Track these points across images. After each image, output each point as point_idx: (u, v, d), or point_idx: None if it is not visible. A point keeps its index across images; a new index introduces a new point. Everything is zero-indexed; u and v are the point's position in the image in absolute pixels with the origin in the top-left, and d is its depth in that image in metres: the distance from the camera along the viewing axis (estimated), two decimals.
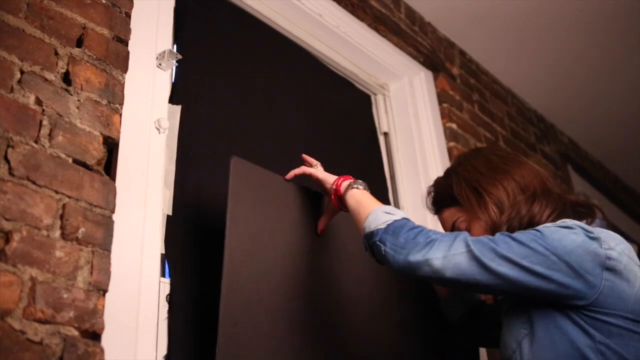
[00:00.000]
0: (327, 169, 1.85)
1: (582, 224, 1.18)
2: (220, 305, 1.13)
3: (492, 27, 2.66)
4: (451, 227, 1.38)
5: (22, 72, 1.12)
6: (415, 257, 1.12)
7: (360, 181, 1.33)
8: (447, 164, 2.25)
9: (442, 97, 2.43)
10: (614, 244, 1.15)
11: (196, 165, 1.48)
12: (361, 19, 2.22)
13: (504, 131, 2.75)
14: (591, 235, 1.13)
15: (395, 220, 1.18)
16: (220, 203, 1.50)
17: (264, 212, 1.28)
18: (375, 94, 2.35)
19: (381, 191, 2.10)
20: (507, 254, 1.09)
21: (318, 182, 1.39)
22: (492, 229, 1.28)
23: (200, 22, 1.70)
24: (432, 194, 1.45)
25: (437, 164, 2.20)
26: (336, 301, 1.38)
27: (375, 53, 2.26)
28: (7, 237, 0.98)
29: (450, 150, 2.31)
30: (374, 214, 1.21)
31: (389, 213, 1.20)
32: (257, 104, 1.76)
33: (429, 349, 1.53)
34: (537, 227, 1.16)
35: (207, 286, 1.35)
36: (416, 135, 2.24)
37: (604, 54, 2.86)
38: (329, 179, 1.37)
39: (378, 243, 1.17)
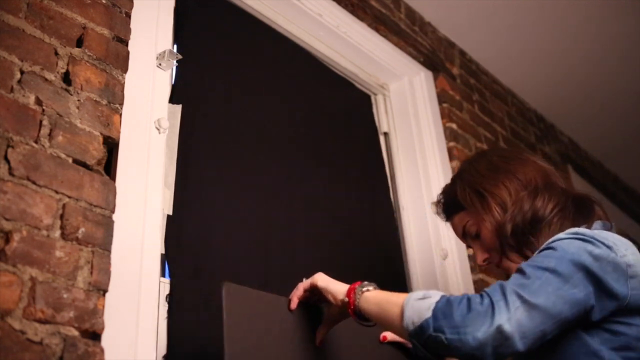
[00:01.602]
0: (327, 169, 1.84)
1: (593, 232, 1.14)
2: None
3: (492, 27, 2.65)
4: (462, 232, 1.37)
5: (22, 72, 1.12)
6: (484, 330, 0.95)
7: (366, 282, 1.17)
8: (447, 164, 2.25)
9: (442, 97, 2.43)
10: (625, 249, 1.12)
11: (196, 165, 1.48)
12: (361, 19, 2.22)
13: (504, 131, 2.75)
14: (605, 243, 1.10)
15: (437, 302, 1.01)
16: (220, 202, 1.50)
17: (262, 336, 1.18)
18: (375, 94, 2.35)
19: (382, 191, 2.10)
20: (554, 287, 1.01)
21: (322, 292, 1.22)
22: (498, 229, 1.27)
23: (200, 22, 1.70)
24: (442, 201, 1.44)
25: (437, 164, 2.20)
26: None
27: (375, 53, 2.26)
28: (7, 237, 0.98)
29: (450, 150, 2.31)
30: (408, 307, 1.04)
31: (423, 298, 1.04)
32: (257, 104, 1.76)
33: None
34: (551, 244, 1.11)
35: (207, 286, 1.35)
36: (416, 135, 2.24)
37: (604, 54, 2.86)
38: (335, 289, 1.20)
39: (434, 334, 0.98)
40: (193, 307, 1.30)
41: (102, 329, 1.04)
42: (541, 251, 1.12)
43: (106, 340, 1.05)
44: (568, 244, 1.09)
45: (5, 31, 1.13)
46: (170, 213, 1.37)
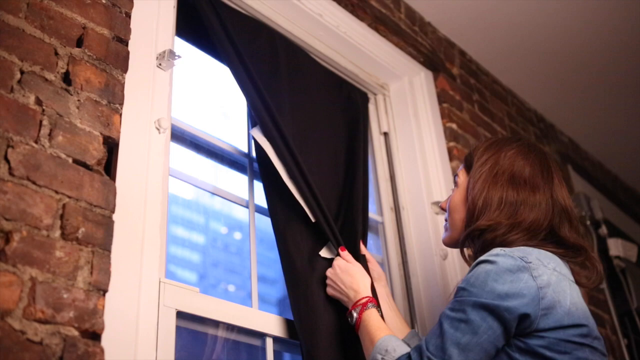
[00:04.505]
0: (327, 169, 1.85)
1: (512, 250, 1.24)
2: None
3: (492, 27, 2.65)
4: (454, 177, 1.51)
5: (22, 72, 1.12)
6: None
7: (364, 304, 1.41)
8: (447, 164, 2.25)
9: (442, 97, 2.43)
10: (547, 261, 1.23)
11: None
12: (361, 19, 2.22)
13: (504, 131, 2.75)
14: (520, 264, 1.20)
15: None
16: None
17: None
18: (375, 94, 2.35)
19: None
20: (465, 342, 1.16)
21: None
22: (468, 218, 1.38)
23: (200, 22, 1.70)
24: (472, 150, 1.50)
25: (437, 164, 2.20)
26: None
27: (375, 53, 2.26)
28: (7, 237, 0.98)
29: (450, 150, 2.31)
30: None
31: (384, 357, 1.26)
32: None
33: None
34: (467, 283, 1.22)
35: None
36: (416, 135, 2.24)
37: (604, 54, 2.86)
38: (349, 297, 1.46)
39: None
40: None
41: (102, 329, 1.04)
42: (462, 289, 1.22)
43: (106, 340, 1.05)
44: (484, 279, 1.19)
45: (5, 31, 1.13)
46: None
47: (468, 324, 1.17)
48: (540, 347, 1.16)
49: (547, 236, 1.32)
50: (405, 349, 1.26)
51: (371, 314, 1.39)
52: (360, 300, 1.42)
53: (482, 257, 1.24)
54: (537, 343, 1.16)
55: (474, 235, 1.35)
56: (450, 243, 1.47)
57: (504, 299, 1.16)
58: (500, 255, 1.22)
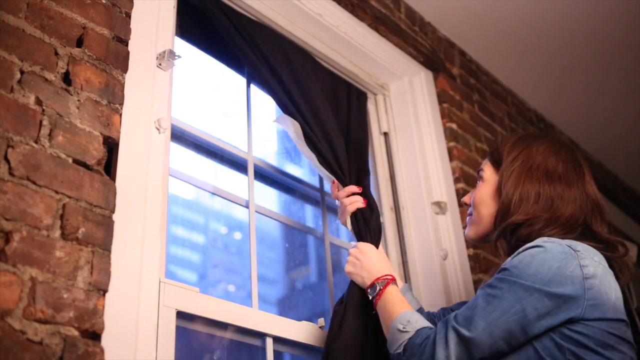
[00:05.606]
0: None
1: (560, 240, 1.22)
2: None
3: (492, 27, 2.65)
4: (479, 171, 1.48)
5: (22, 72, 1.12)
6: None
7: (390, 279, 1.45)
8: (447, 164, 2.25)
9: (442, 97, 2.43)
10: (593, 254, 1.21)
11: None
12: (361, 19, 2.22)
13: (504, 131, 2.75)
14: (568, 251, 1.18)
15: (409, 339, 1.26)
16: None
17: None
18: (375, 94, 2.35)
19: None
20: (493, 318, 1.15)
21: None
22: (501, 213, 1.35)
23: (200, 22, 1.70)
24: (496, 145, 1.49)
25: (437, 164, 2.20)
26: None
27: (375, 53, 2.26)
28: (7, 237, 0.98)
29: (450, 150, 2.31)
30: (391, 333, 1.31)
31: (403, 331, 1.28)
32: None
33: None
34: (510, 264, 1.20)
35: None
36: (416, 135, 2.24)
37: (603, 53, 2.86)
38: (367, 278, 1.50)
39: None
40: None
41: (102, 329, 1.04)
42: (504, 269, 1.21)
43: (106, 340, 1.05)
44: (528, 263, 1.18)
45: (5, 31, 1.13)
46: None
47: (502, 300, 1.16)
48: (585, 336, 1.13)
49: (584, 231, 1.31)
50: (427, 324, 1.29)
51: (395, 290, 1.43)
52: (385, 276, 1.46)
53: (529, 244, 1.22)
54: (582, 331, 1.13)
55: (507, 230, 1.34)
56: (475, 237, 1.45)
57: (547, 285, 1.14)
58: (549, 242, 1.21)
